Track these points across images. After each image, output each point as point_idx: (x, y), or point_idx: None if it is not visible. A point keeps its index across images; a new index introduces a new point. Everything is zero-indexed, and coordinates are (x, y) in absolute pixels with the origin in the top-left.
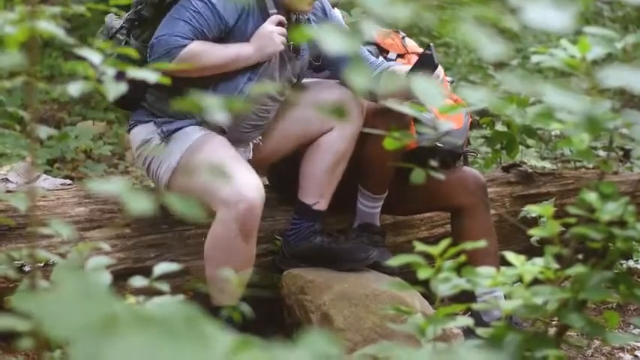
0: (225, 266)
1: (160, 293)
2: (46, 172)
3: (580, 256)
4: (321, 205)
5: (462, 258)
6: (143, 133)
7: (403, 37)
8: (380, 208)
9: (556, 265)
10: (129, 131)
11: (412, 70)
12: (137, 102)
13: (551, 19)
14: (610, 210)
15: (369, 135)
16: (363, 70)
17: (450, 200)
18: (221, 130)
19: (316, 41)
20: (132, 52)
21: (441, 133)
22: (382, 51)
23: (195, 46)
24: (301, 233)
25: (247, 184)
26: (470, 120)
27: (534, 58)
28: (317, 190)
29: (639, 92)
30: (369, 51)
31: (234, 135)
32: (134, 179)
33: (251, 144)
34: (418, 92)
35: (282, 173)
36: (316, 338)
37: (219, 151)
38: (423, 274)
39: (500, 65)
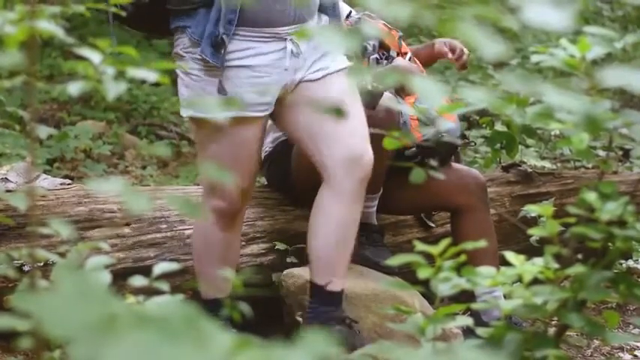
0: (207, 257)
1: (159, 293)
2: (45, 171)
3: (580, 256)
4: (336, 284)
5: (462, 258)
6: (179, 45)
7: (400, 37)
8: (375, 207)
9: (556, 265)
10: None
11: None
12: None
13: (550, 18)
14: (610, 210)
15: None
16: (362, 71)
17: (450, 200)
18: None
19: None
20: (131, 51)
21: (440, 130)
22: (383, 48)
23: None
24: (318, 318)
25: (234, 188)
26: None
27: (534, 58)
28: (327, 268)
29: (639, 92)
30: (373, 45)
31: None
32: (134, 179)
33: (289, 44)
34: (418, 91)
35: (280, 173)
36: (315, 338)
37: (233, 141)
38: (422, 273)
39: (499, 65)
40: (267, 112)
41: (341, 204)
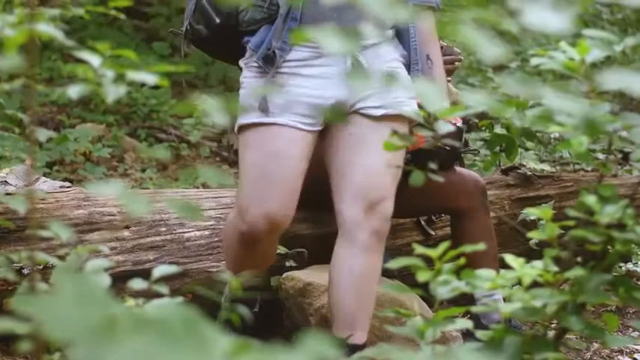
0: (228, 260)
1: (159, 296)
2: (45, 174)
3: (579, 259)
4: (357, 337)
5: (462, 261)
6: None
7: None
8: None
9: (555, 268)
10: None
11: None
12: None
13: (550, 21)
14: (609, 213)
15: None
16: (361, 75)
17: (450, 203)
18: None
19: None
20: (130, 54)
21: (441, 134)
22: None
23: None
24: None
25: (261, 209)
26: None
27: (533, 61)
28: (347, 321)
29: (638, 95)
30: None
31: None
32: (133, 182)
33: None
34: (419, 96)
35: None
36: (315, 341)
37: (269, 154)
38: (422, 276)
39: (499, 68)
40: (314, 129)
41: (357, 256)
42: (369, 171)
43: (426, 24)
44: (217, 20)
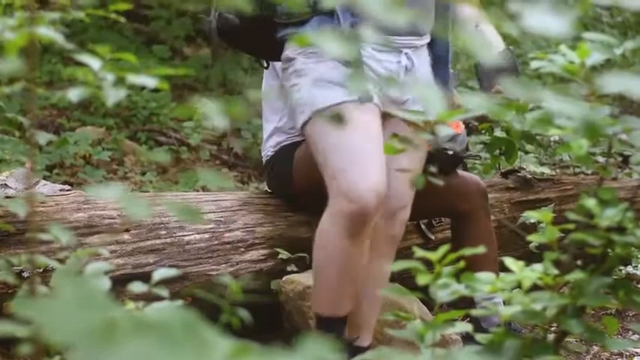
0: (327, 268)
1: (159, 299)
2: (45, 177)
3: (579, 262)
4: (364, 339)
5: (461, 264)
6: (288, 50)
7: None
8: None
9: (555, 271)
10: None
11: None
12: None
13: (550, 24)
14: (609, 216)
15: None
16: (361, 77)
17: (451, 205)
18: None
19: None
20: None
21: (444, 139)
22: None
23: None
24: None
25: (368, 184)
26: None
27: (533, 64)
28: (355, 322)
29: (638, 98)
30: None
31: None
32: (133, 185)
33: (404, 58)
34: (421, 99)
35: (281, 177)
36: (315, 344)
37: (358, 130)
38: (422, 279)
39: None
40: (378, 108)
41: (371, 261)
42: (399, 177)
43: (468, 9)
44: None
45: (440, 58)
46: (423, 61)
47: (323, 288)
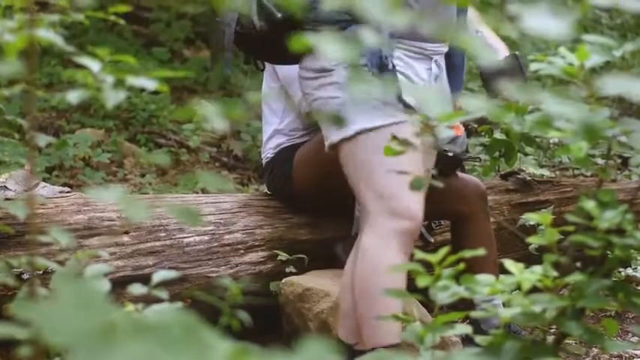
0: (375, 289)
1: (158, 301)
2: (44, 179)
3: (578, 264)
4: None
5: (461, 266)
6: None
7: None
8: None
9: (554, 273)
10: None
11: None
12: None
13: (549, 27)
14: (608, 218)
15: None
16: (363, 80)
17: (450, 207)
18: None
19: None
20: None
21: (444, 140)
22: None
23: None
24: None
25: (419, 203)
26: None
27: (533, 66)
28: (356, 328)
29: (638, 100)
30: None
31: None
32: (133, 187)
33: (434, 65)
34: (421, 102)
35: (281, 179)
36: (315, 346)
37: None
38: (421, 281)
39: None
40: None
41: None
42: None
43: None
44: (279, 15)
45: (456, 67)
46: (443, 68)
47: (386, 314)
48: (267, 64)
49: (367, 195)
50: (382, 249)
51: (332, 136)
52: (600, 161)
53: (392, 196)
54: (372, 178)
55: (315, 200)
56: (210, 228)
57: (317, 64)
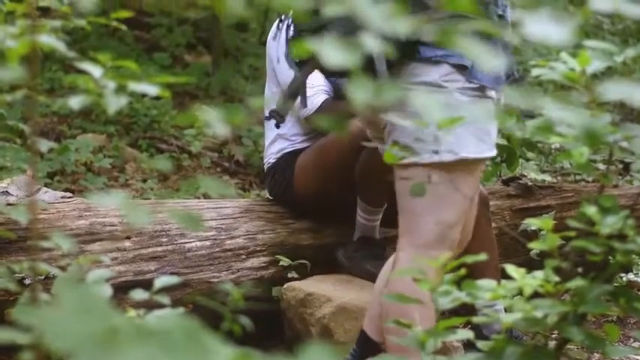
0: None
1: (160, 306)
2: (46, 185)
3: (580, 270)
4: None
5: (463, 271)
6: (433, 73)
7: None
8: (379, 221)
9: (556, 278)
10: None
11: None
12: None
13: (551, 32)
14: (610, 223)
15: (364, 148)
16: (364, 84)
17: None
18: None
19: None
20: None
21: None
22: None
23: None
24: None
25: (459, 237)
26: None
27: (534, 72)
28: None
29: (639, 105)
30: None
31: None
32: (134, 192)
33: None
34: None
35: (282, 184)
36: (317, 351)
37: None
38: (423, 287)
39: None
40: None
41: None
42: None
43: None
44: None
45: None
46: None
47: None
48: (267, 68)
49: (426, 215)
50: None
51: (420, 154)
52: (602, 167)
53: (454, 228)
54: (446, 206)
55: (316, 206)
56: (211, 233)
57: (429, 76)
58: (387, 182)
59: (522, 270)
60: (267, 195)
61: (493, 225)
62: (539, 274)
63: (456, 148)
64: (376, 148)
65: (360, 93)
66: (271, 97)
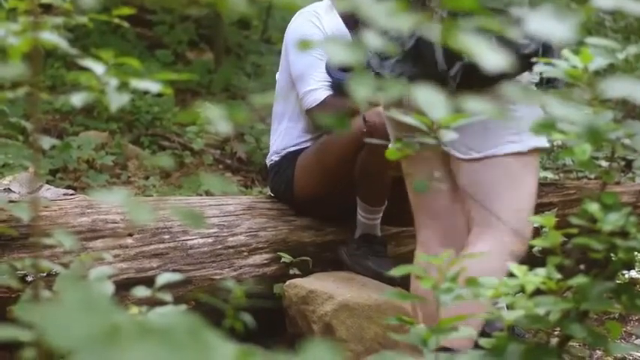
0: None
1: (162, 303)
2: (48, 182)
3: (582, 267)
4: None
5: (465, 268)
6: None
7: None
8: (380, 219)
9: (558, 276)
10: None
11: None
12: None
13: (553, 29)
14: (612, 220)
15: (365, 146)
16: (367, 83)
17: None
18: None
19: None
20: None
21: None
22: None
23: None
24: None
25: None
26: None
27: (537, 69)
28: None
29: None
30: None
31: None
32: (136, 189)
33: None
34: (420, 102)
35: (284, 182)
36: (318, 349)
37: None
38: (425, 284)
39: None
40: None
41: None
42: None
43: None
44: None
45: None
46: None
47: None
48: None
49: (503, 206)
50: (499, 266)
51: (485, 144)
52: (604, 164)
53: (525, 218)
54: (520, 196)
55: (316, 205)
56: (213, 230)
57: (522, 76)
58: (388, 181)
59: (524, 267)
60: (270, 192)
61: None
62: (541, 271)
63: (526, 139)
64: (376, 146)
65: (361, 89)
66: (279, 93)
